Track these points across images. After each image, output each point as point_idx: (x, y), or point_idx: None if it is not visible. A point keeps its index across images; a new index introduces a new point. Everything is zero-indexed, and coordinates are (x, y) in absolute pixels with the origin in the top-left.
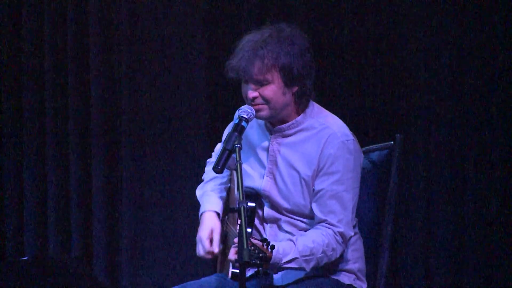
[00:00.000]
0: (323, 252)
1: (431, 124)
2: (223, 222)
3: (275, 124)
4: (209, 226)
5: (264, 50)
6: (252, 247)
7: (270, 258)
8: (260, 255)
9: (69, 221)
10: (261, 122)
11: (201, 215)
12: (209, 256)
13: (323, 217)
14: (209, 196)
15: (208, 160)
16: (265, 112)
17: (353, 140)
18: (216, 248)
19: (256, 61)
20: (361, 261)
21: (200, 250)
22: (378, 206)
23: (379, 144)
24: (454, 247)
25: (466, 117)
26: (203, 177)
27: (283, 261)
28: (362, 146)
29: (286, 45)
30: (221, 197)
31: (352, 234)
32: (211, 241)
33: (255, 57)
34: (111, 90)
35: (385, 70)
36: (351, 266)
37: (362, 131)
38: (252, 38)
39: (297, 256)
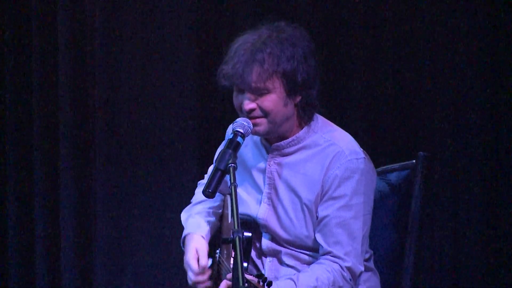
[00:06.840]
0: None
1: (458, 140)
2: (213, 257)
3: (272, 141)
4: (193, 247)
5: (263, 54)
6: (246, 284)
7: None
8: None
9: (34, 246)
10: (257, 138)
11: (183, 239)
12: (203, 278)
13: (328, 249)
14: (194, 219)
15: (199, 181)
16: (262, 127)
17: (364, 158)
18: (204, 263)
19: (255, 66)
20: None
21: (191, 276)
22: (398, 236)
23: (399, 164)
24: (486, 284)
25: (497, 133)
26: (191, 200)
27: None
28: (378, 166)
29: (288, 47)
30: (208, 221)
31: (363, 269)
32: (198, 261)
33: (254, 62)
34: (83, 92)
35: (405, 78)
36: None
37: (379, 149)
38: (248, 39)
39: None
